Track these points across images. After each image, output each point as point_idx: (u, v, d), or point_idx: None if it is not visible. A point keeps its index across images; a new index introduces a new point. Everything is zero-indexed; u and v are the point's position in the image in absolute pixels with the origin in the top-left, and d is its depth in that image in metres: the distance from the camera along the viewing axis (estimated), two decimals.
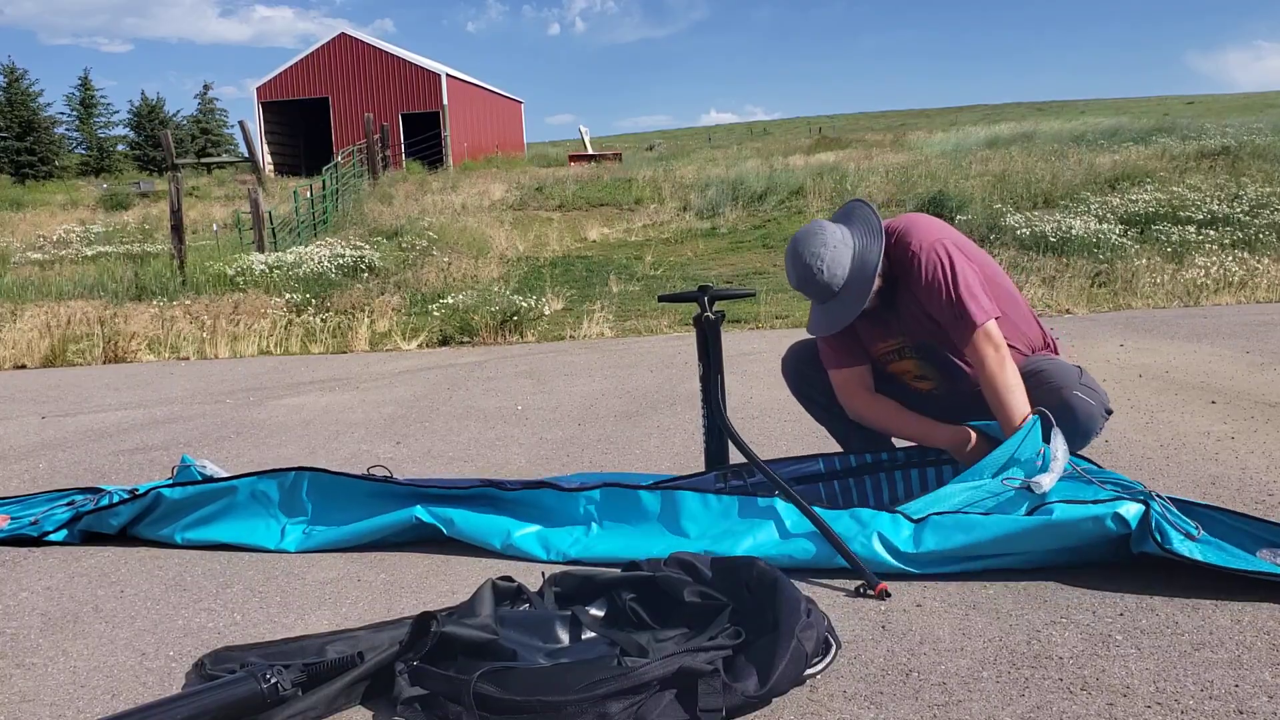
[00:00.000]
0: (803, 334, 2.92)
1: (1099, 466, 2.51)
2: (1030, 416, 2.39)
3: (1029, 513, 2.21)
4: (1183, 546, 2.03)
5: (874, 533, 2.24)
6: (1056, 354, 2.71)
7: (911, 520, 2.26)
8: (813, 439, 3.73)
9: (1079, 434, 2.50)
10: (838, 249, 2.48)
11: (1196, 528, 2.10)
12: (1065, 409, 2.43)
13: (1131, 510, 2.10)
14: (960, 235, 2.62)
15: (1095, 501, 2.16)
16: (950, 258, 2.47)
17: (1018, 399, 2.42)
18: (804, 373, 2.88)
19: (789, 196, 16.66)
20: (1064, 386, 2.46)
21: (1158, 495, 2.18)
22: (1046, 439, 2.36)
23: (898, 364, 2.70)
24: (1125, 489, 2.30)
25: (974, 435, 2.57)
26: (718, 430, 2.81)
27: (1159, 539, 2.04)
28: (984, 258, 2.64)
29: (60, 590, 2.46)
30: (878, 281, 2.49)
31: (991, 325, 2.45)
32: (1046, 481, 2.24)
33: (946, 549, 2.18)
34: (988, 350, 2.43)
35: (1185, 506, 2.24)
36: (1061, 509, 2.15)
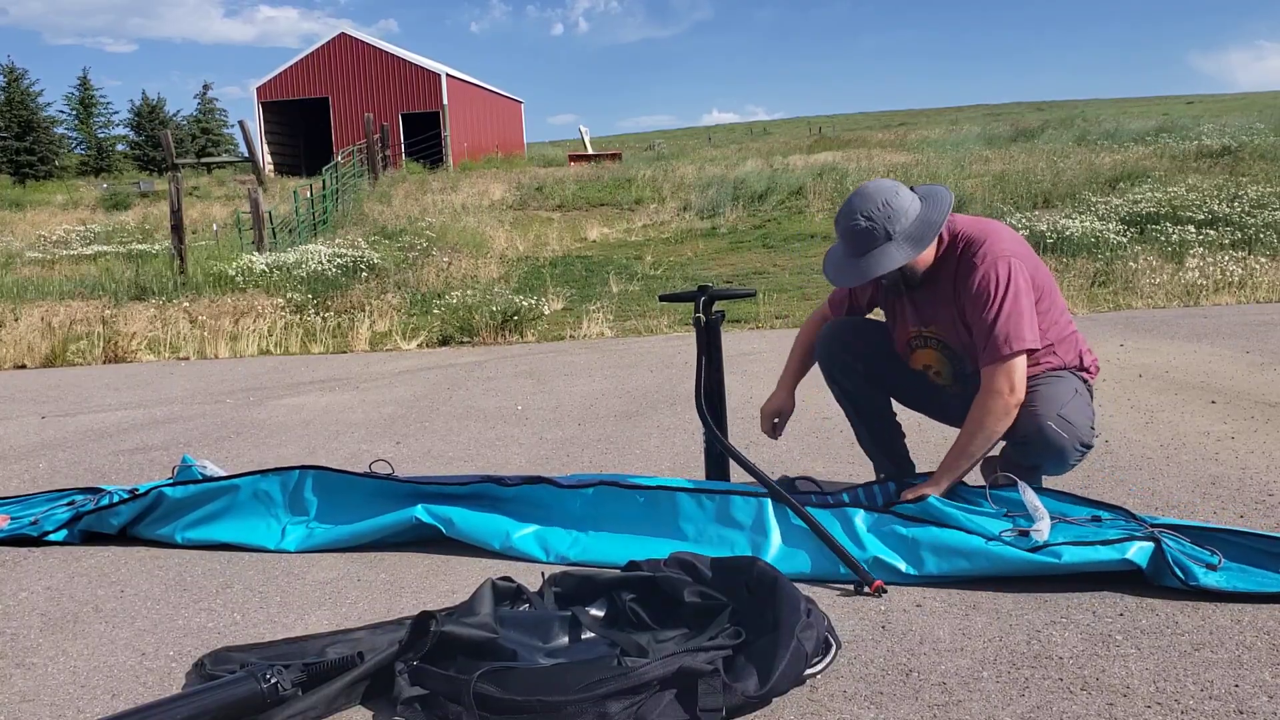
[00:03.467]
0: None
1: (1089, 502, 2.43)
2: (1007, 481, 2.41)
3: (1034, 549, 2.15)
4: (1208, 579, 2.02)
5: (872, 557, 2.23)
6: (1092, 374, 2.64)
7: (905, 518, 2.26)
8: (813, 439, 3.73)
9: (1051, 461, 2.49)
10: (890, 220, 2.43)
11: (1213, 553, 2.09)
12: (1038, 434, 2.42)
13: (1139, 551, 2.07)
14: (1031, 252, 2.54)
15: (1104, 543, 2.11)
16: (1010, 277, 2.40)
17: (981, 448, 2.42)
18: (833, 352, 2.80)
19: (789, 196, 16.68)
20: (1042, 415, 2.42)
21: (1161, 529, 2.16)
22: (1011, 496, 2.35)
23: (922, 352, 2.68)
24: (1128, 518, 2.28)
25: (786, 406, 2.82)
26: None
27: (1182, 576, 2.02)
28: (1045, 274, 2.57)
29: (60, 590, 2.46)
30: (894, 273, 2.47)
31: (1019, 362, 2.37)
32: (1045, 528, 2.20)
33: (947, 573, 2.17)
34: (1001, 384, 2.37)
35: (1194, 533, 2.21)
36: (1070, 552, 2.10)
